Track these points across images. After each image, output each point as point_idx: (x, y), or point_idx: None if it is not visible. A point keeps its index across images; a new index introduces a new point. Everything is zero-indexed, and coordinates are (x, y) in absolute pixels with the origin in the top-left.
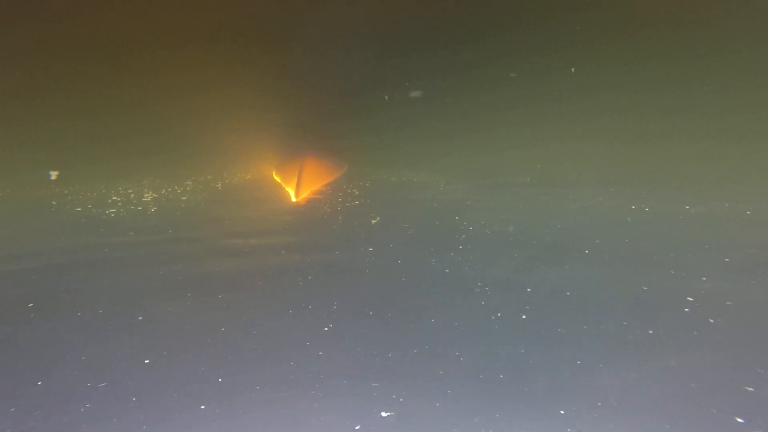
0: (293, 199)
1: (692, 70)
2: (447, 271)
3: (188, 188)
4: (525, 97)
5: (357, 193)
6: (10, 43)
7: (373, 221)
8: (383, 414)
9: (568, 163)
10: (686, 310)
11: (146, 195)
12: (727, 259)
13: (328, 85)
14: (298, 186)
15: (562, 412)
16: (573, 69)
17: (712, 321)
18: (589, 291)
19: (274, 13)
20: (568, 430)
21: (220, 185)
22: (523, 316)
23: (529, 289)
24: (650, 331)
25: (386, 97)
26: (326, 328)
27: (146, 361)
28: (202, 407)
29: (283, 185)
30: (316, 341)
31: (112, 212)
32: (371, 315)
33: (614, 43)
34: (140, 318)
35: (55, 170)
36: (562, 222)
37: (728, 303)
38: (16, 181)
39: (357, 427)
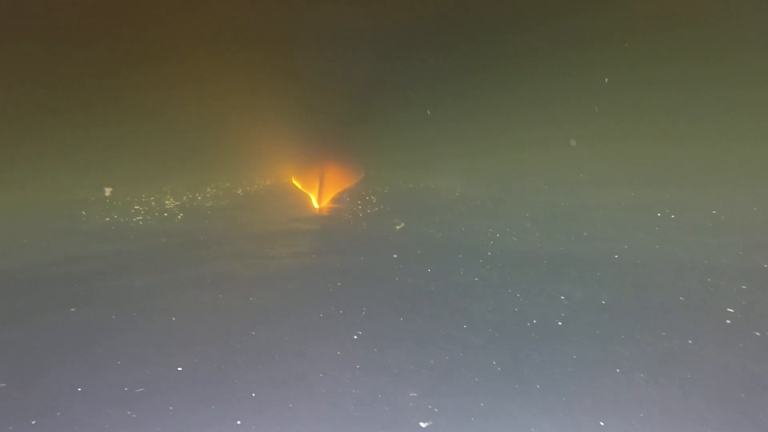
0: (316, 206)
1: (720, 70)
2: (476, 279)
3: (209, 195)
4: (541, 98)
5: (375, 200)
6: (32, 58)
7: (398, 227)
8: (422, 425)
9: (583, 166)
10: (728, 321)
11: (168, 202)
12: (766, 265)
13: (342, 91)
14: (320, 192)
15: (602, 423)
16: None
17: (758, 334)
18: (624, 299)
19: (292, 20)
20: None
21: (240, 191)
22: (559, 323)
23: (562, 297)
24: (690, 341)
25: (428, 112)
26: (356, 336)
27: (179, 369)
28: (239, 422)
29: (305, 191)
30: (347, 350)
31: (139, 219)
32: (401, 321)
33: (637, 41)
34: (173, 322)
35: (108, 187)
36: (587, 227)
37: None
38: (44, 191)
39: None
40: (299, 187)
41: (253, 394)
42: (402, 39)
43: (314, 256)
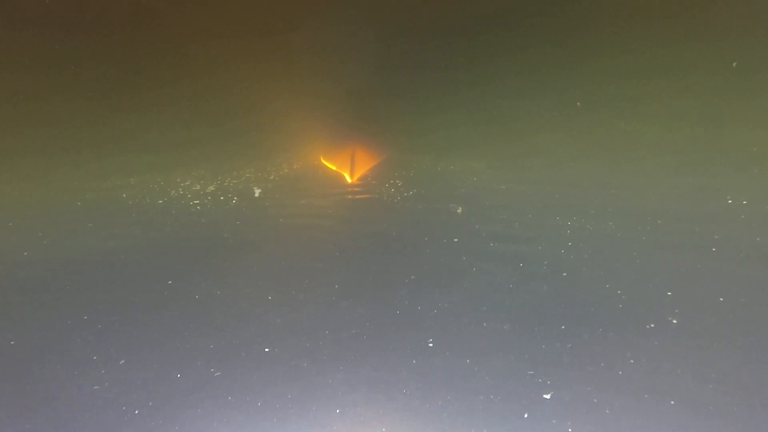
0: (348, 180)
1: None
2: (564, 274)
3: (250, 178)
4: (580, 77)
5: (400, 183)
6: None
7: (458, 210)
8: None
9: (642, 151)
10: None
11: (208, 186)
12: None
13: (365, 72)
14: (352, 168)
15: None
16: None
17: None
18: (744, 296)
19: (321, 5)
20: None
21: (273, 176)
22: (674, 321)
23: (669, 293)
24: None
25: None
26: (430, 344)
27: (266, 349)
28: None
29: (337, 169)
30: (427, 350)
31: (197, 203)
32: (485, 326)
33: (691, 18)
34: (256, 310)
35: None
36: (661, 216)
37: None
38: (74, 176)
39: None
40: (332, 167)
41: (337, 410)
42: (431, 22)
43: (384, 249)
